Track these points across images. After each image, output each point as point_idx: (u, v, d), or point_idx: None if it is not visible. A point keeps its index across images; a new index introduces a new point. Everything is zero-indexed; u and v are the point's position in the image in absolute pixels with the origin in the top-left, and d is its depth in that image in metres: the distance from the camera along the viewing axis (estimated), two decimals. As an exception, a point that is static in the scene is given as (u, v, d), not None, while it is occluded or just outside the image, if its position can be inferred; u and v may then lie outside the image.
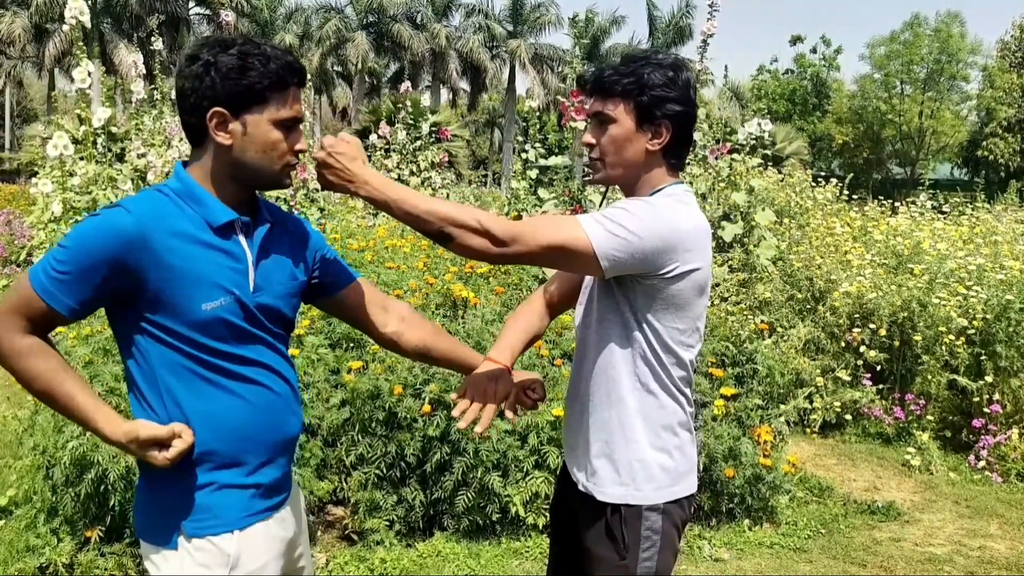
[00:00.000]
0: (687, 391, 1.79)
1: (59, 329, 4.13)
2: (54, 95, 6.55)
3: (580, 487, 1.81)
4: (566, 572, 1.94)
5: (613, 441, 1.75)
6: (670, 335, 1.72)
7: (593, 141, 1.76)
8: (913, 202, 9.07)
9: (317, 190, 8.16)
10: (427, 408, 3.58)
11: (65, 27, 4.98)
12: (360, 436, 3.59)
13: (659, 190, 1.75)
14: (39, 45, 31.46)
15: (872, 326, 5.70)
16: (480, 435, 2.61)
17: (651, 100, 1.70)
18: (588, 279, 1.86)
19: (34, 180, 5.25)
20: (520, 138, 6.64)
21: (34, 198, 5.95)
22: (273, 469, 1.65)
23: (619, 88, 1.71)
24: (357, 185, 1.59)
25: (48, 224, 5.22)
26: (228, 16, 7.11)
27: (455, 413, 1.77)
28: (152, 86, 7.49)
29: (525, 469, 3.66)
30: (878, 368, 5.74)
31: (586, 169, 1.87)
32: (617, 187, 1.83)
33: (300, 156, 1.60)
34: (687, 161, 1.83)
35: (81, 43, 5.00)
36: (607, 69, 1.75)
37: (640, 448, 1.73)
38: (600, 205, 2.08)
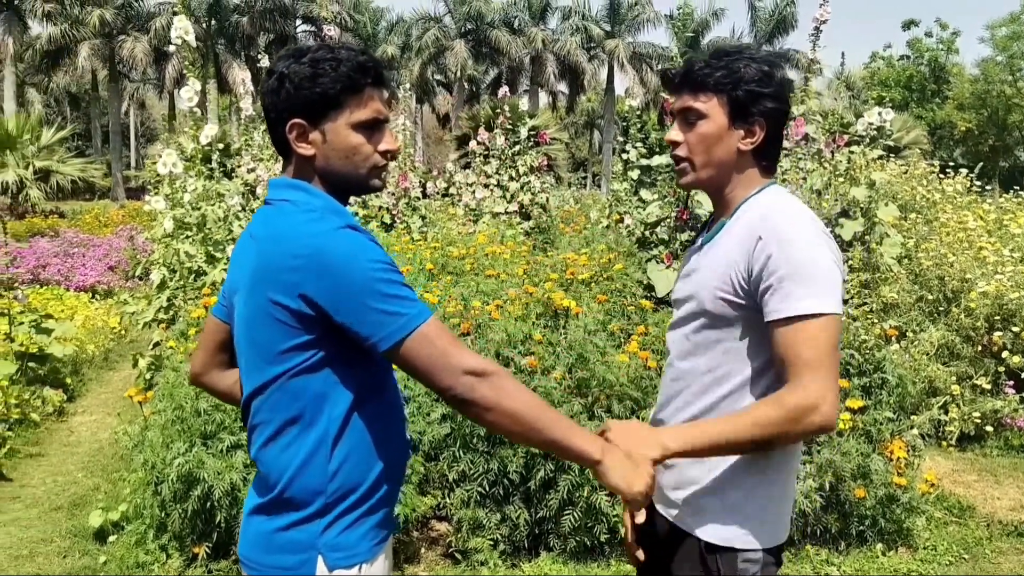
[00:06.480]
0: None
1: (170, 342, 4.23)
2: (177, 114, 6.78)
3: (676, 521, 1.67)
4: None
5: (725, 480, 1.60)
6: None
7: (679, 139, 1.64)
8: (1051, 191, 8.36)
9: (419, 198, 8.18)
10: (530, 423, 3.44)
11: (172, 47, 5.11)
12: (461, 452, 3.49)
13: (758, 192, 1.62)
14: (159, 67, 33.37)
15: (1014, 329, 5.24)
16: None
17: (746, 95, 1.58)
18: (687, 311, 1.69)
19: (146, 197, 5.43)
20: (620, 138, 6.45)
21: (154, 214, 6.17)
22: (398, 493, 1.60)
23: (711, 82, 1.59)
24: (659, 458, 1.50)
25: (162, 239, 5.37)
26: (332, 31, 7.21)
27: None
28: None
29: (634, 487, 3.48)
30: (1022, 375, 5.26)
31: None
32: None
33: (387, 157, 1.52)
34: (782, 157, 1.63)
35: (189, 63, 5.12)
36: (696, 62, 1.62)
37: (749, 487, 1.59)
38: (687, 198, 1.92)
